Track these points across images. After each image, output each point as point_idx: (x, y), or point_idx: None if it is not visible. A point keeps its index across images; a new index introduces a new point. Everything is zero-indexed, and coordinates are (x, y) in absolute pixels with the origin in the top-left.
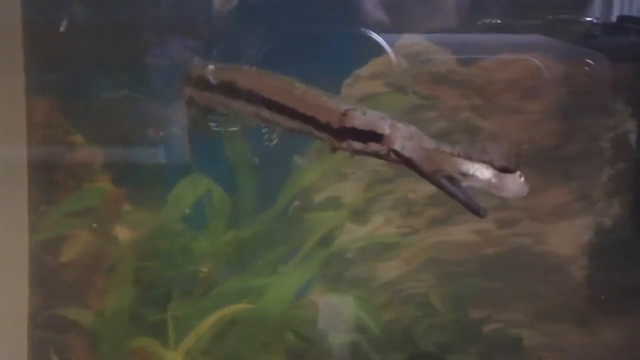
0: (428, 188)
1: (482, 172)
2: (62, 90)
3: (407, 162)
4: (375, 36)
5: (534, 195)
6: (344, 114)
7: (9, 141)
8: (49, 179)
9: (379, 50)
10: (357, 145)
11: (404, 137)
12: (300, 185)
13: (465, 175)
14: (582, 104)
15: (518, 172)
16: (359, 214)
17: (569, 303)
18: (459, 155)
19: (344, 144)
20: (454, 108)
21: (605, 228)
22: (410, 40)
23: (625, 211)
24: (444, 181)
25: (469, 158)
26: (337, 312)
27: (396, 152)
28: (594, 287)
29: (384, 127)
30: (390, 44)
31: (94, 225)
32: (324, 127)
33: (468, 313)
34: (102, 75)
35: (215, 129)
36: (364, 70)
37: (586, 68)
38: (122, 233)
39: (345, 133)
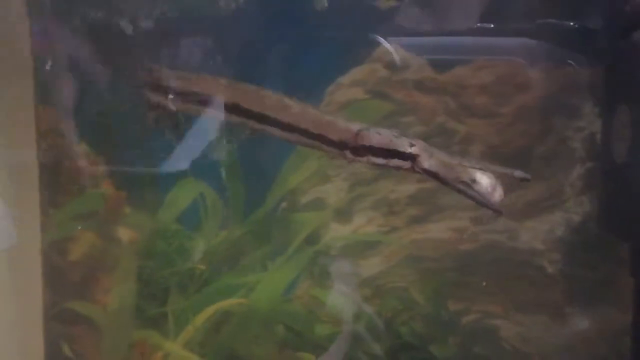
0: (408, 188)
1: (483, 180)
2: (67, 102)
3: (431, 175)
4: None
5: (507, 194)
6: (358, 134)
7: (22, 147)
8: (57, 184)
9: (360, 58)
10: (379, 160)
11: (427, 156)
12: (287, 187)
13: (474, 181)
14: (553, 107)
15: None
16: (343, 214)
17: (541, 295)
18: (469, 166)
19: (364, 159)
20: (430, 112)
21: (576, 224)
22: (388, 48)
23: (594, 208)
24: (463, 187)
25: (475, 167)
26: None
27: (424, 169)
28: (565, 280)
29: (405, 146)
30: (370, 53)
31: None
32: (336, 144)
33: (446, 305)
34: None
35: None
36: (346, 78)
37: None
38: (124, 234)
39: (363, 150)
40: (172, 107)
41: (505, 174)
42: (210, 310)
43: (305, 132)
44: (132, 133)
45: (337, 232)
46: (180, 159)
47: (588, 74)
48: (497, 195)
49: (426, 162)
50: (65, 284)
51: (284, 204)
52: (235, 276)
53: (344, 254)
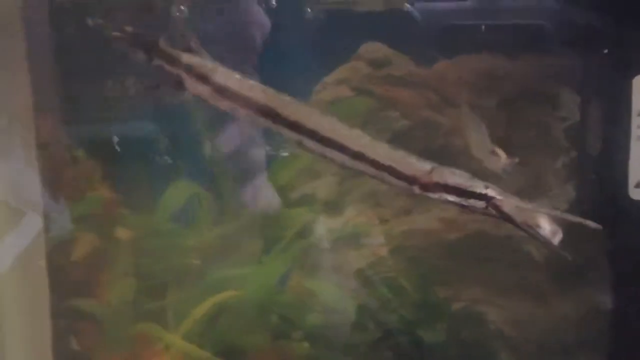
0: None
1: (546, 225)
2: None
3: (506, 218)
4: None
5: (493, 184)
6: (432, 171)
7: (24, 157)
8: (57, 189)
9: (344, 57)
10: (452, 198)
11: (503, 198)
12: (278, 183)
13: (538, 226)
14: (535, 97)
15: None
16: (333, 208)
17: (527, 280)
18: (536, 210)
19: (436, 195)
20: (413, 107)
21: (561, 211)
22: (371, 47)
23: (577, 195)
24: (528, 229)
25: (542, 212)
26: None
27: (502, 212)
28: (550, 265)
29: (481, 187)
30: (352, 51)
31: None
32: (406, 178)
33: (435, 293)
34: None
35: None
36: (331, 77)
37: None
38: (121, 234)
39: (435, 187)
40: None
41: (577, 223)
42: (207, 302)
43: (373, 163)
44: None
45: (327, 225)
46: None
47: (569, 65)
48: (557, 239)
49: (506, 207)
50: (70, 282)
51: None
52: (229, 270)
53: (335, 246)
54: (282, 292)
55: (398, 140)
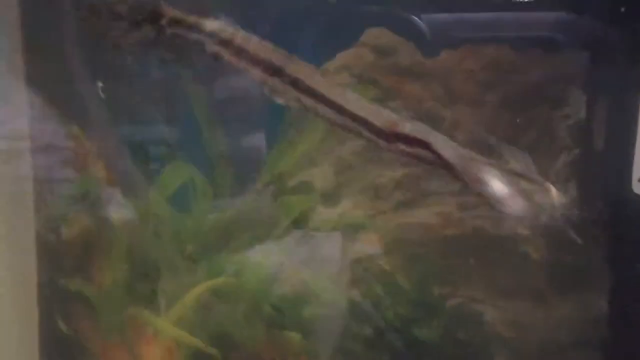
0: (394, 174)
1: (498, 185)
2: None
3: (449, 168)
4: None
5: None
6: (395, 122)
7: (14, 136)
8: (49, 167)
9: (346, 42)
10: (407, 148)
11: (447, 148)
12: (276, 170)
13: (491, 181)
14: (539, 93)
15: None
16: (330, 198)
17: (525, 281)
18: (491, 165)
19: (393, 146)
20: (417, 98)
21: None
22: (375, 33)
23: (579, 195)
24: (477, 184)
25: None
26: None
27: (445, 161)
28: (549, 266)
29: (429, 138)
30: (355, 38)
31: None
32: (375, 131)
33: (431, 289)
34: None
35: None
36: (333, 63)
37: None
38: (115, 215)
39: (395, 138)
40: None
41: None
42: (199, 289)
43: (352, 115)
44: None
45: (324, 216)
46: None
47: (575, 61)
48: (517, 206)
49: (447, 153)
50: (60, 263)
51: (272, 187)
52: (224, 257)
53: (331, 237)
54: (276, 282)
55: None
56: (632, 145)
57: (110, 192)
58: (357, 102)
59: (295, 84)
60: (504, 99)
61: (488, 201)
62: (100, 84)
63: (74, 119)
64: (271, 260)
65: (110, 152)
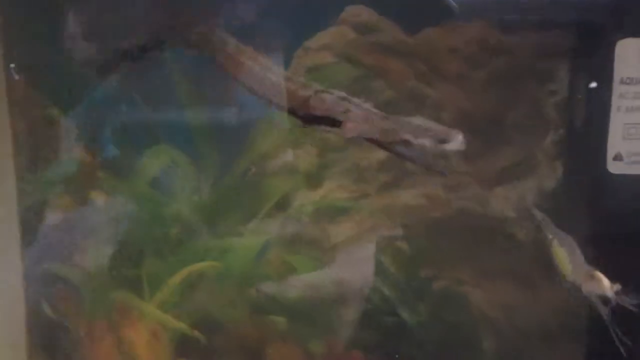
0: (379, 155)
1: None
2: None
3: (367, 140)
4: None
5: (479, 160)
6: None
7: None
8: (31, 150)
9: (327, 19)
10: (322, 127)
11: (359, 122)
12: (257, 152)
13: (415, 139)
14: (524, 70)
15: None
16: (313, 179)
17: (512, 262)
18: (406, 132)
19: (313, 124)
20: (400, 76)
21: (548, 191)
22: (355, 10)
23: (566, 174)
24: (400, 149)
25: (414, 134)
26: None
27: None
28: (535, 247)
29: (339, 114)
30: (335, 16)
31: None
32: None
33: (417, 272)
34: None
35: None
36: (313, 41)
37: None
38: (98, 198)
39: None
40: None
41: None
42: (183, 272)
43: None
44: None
45: (307, 198)
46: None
47: (562, 36)
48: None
49: (355, 131)
50: (44, 247)
51: (253, 169)
52: (208, 240)
53: (314, 220)
54: (261, 265)
55: (383, 111)
56: (606, 120)
57: (94, 174)
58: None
59: None
60: (488, 77)
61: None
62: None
63: (54, 101)
64: (256, 243)
65: (92, 134)
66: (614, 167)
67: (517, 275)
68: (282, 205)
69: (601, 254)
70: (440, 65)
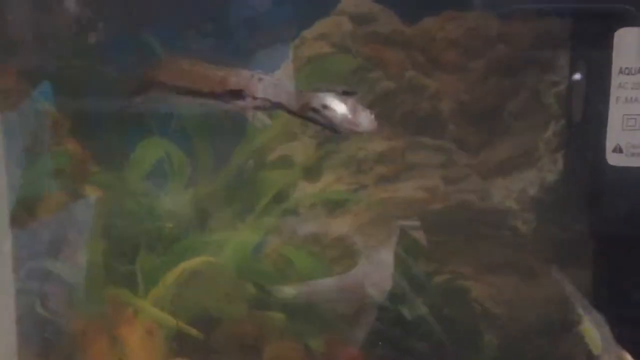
0: (376, 147)
1: (339, 106)
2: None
3: (277, 106)
4: None
5: (479, 152)
6: (223, 79)
7: None
8: (22, 144)
9: (325, 9)
10: (240, 103)
11: (267, 86)
12: (254, 145)
13: (326, 107)
14: (525, 60)
15: (369, 110)
16: (311, 172)
17: (513, 256)
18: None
19: (231, 105)
20: (398, 67)
21: (550, 183)
22: (353, 0)
23: (568, 165)
24: (310, 114)
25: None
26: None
27: (264, 99)
28: (538, 240)
29: (241, 83)
30: (333, 6)
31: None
32: (208, 95)
33: (417, 266)
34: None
35: None
36: (311, 31)
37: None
38: (91, 192)
39: (227, 96)
40: None
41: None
42: (179, 268)
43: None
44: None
45: (305, 191)
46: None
47: (561, 26)
48: (364, 116)
49: (259, 92)
50: (36, 242)
51: (250, 162)
52: (204, 234)
53: (313, 213)
54: (258, 260)
55: (381, 103)
56: (605, 110)
57: (85, 168)
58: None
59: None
60: (487, 67)
61: (331, 127)
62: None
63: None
64: (252, 238)
65: (84, 126)
66: (613, 159)
67: (518, 268)
68: (280, 198)
69: (601, 247)
70: (439, 55)
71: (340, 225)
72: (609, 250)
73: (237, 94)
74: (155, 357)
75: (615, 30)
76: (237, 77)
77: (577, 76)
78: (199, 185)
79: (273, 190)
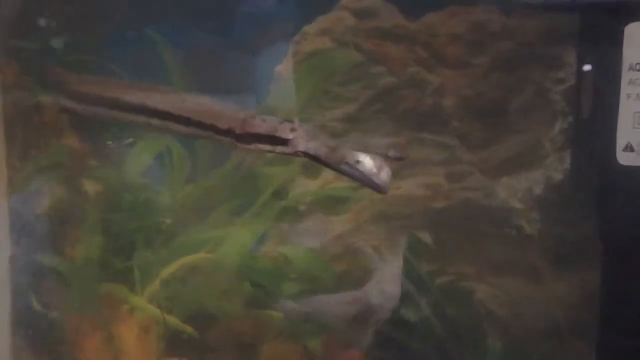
0: (378, 142)
1: (367, 160)
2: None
3: (313, 159)
4: None
5: (483, 149)
6: (245, 121)
7: None
8: (22, 138)
9: (326, 4)
10: (265, 147)
11: (307, 139)
12: None
13: (358, 162)
14: (530, 56)
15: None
16: (311, 168)
17: (518, 256)
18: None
19: (252, 146)
20: (401, 63)
21: (556, 182)
22: None
23: (575, 164)
24: (346, 168)
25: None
26: None
27: (304, 153)
28: (543, 240)
29: (287, 132)
30: (335, 1)
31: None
32: (226, 133)
33: (419, 265)
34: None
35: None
36: (312, 27)
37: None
38: (90, 187)
39: (250, 137)
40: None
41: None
42: (176, 264)
43: (199, 124)
44: None
45: (305, 187)
46: None
47: (569, 21)
48: (384, 174)
49: (302, 146)
50: (33, 237)
51: (250, 157)
52: (202, 230)
53: (312, 210)
54: (256, 257)
55: (383, 98)
56: (616, 108)
57: (83, 163)
58: (201, 109)
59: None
60: (492, 63)
61: (359, 181)
62: None
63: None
64: (251, 234)
65: (83, 120)
66: (624, 159)
67: (523, 269)
68: (279, 195)
69: (610, 249)
70: (442, 50)
71: (340, 223)
72: (618, 252)
73: (273, 139)
74: (151, 354)
75: (625, 25)
76: (266, 125)
77: (585, 72)
78: (198, 181)
79: (273, 186)
